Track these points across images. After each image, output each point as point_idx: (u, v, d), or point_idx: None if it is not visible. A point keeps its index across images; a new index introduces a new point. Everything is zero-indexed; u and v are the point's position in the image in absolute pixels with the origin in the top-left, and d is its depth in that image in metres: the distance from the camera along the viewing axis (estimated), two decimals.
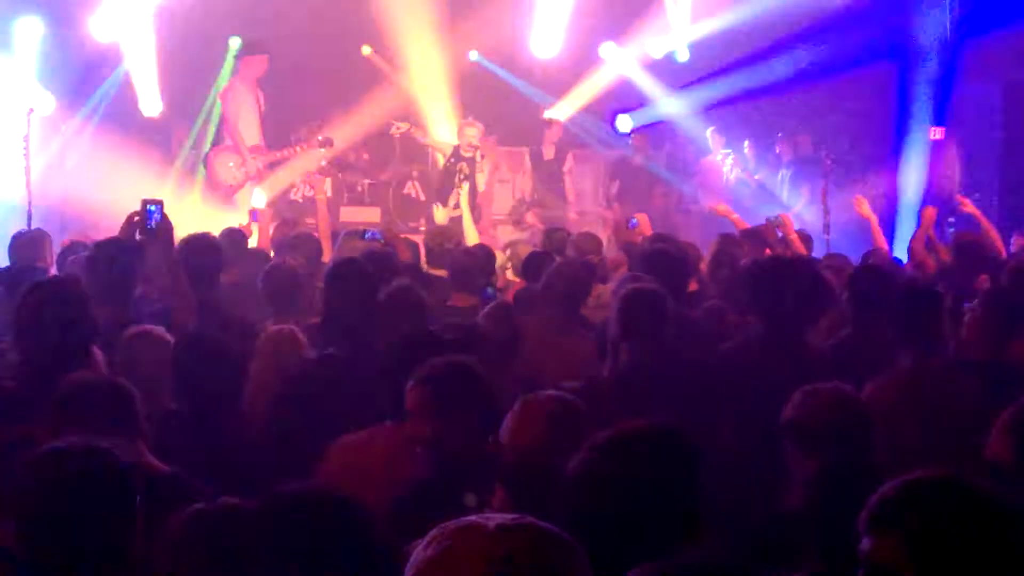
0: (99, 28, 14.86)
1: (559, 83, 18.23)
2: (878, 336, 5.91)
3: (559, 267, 6.84)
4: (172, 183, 15.29)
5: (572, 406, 3.41)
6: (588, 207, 16.98)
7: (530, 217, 15.97)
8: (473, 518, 2.07)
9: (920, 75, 16.35)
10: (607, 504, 2.79)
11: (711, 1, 16.90)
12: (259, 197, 11.80)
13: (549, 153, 16.47)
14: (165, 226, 6.15)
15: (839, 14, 16.13)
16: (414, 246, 8.91)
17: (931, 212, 9.75)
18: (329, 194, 15.55)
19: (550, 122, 16.70)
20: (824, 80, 16.82)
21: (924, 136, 16.35)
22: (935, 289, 6.09)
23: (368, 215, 16.10)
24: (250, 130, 13.81)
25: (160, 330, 5.33)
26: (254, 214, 10.47)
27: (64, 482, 3.16)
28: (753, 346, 5.62)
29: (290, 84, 15.30)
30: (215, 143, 14.97)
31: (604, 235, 11.97)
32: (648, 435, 2.87)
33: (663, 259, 6.80)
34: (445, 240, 8.60)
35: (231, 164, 13.88)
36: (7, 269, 7.38)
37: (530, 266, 7.93)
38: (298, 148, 14.14)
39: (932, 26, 15.87)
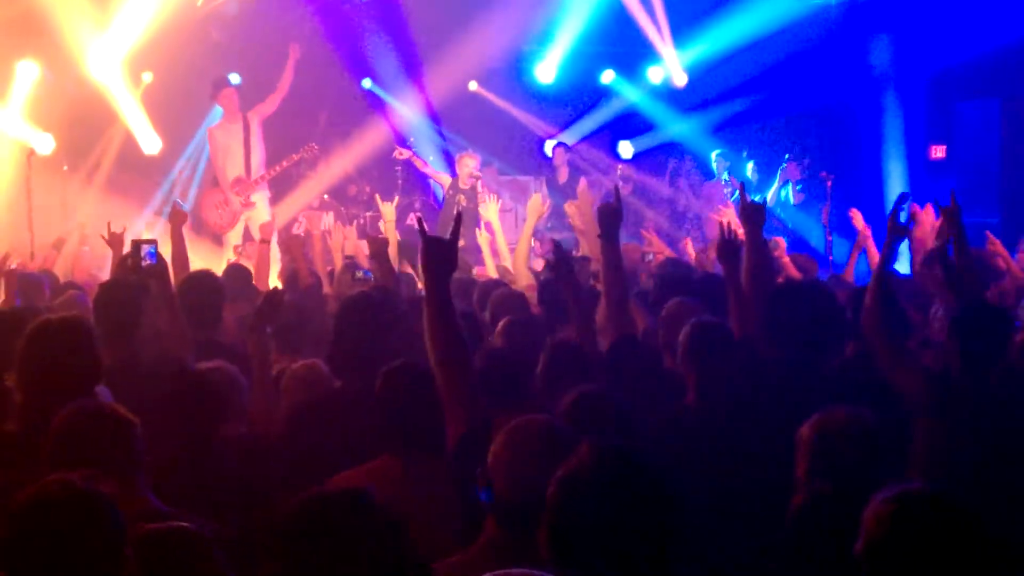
0: (96, 69, 14.93)
1: (560, 112, 18.32)
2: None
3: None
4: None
5: (562, 432, 3.40)
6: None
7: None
8: None
9: (918, 92, 16.38)
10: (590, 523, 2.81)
11: (696, 27, 16.99)
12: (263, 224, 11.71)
13: (563, 176, 16.50)
14: (160, 266, 6.15)
15: (834, 31, 16.21)
16: (411, 280, 8.88)
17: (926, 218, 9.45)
18: (330, 228, 15.59)
19: (557, 146, 16.77)
20: (823, 101, 16.89)
21: (922, 155, 16.41)
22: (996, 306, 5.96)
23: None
24: (234, 163, 13.77)
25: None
26: (239, 250, 10.53)
27: (42, 530, 3.06)
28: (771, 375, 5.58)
29: (289, 119, 15.33)
30: (205, 182, 15.09)
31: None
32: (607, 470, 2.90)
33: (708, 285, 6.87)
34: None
35: (217, 206, 13.87)
36: (10, 310, 7.39)
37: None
38: (280, 165, 14.04)
39: (926, 45, 15.90)
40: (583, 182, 16.27)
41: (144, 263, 6.08)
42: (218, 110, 14.51)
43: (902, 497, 2.84)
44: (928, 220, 9.28)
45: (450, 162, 16.47)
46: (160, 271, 6.13)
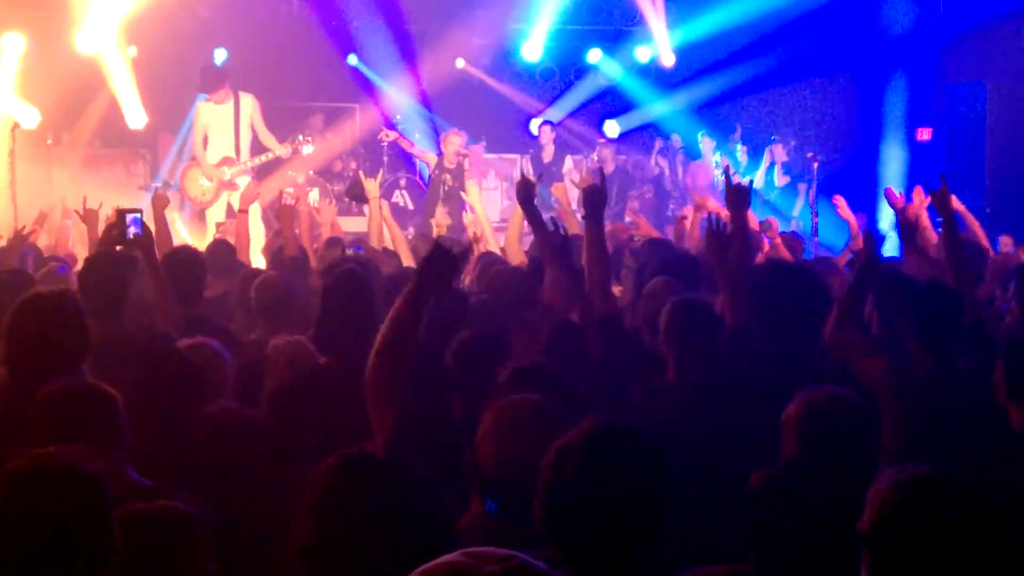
0: (83, 42, 14.84)
1: (546, 90, 18.29)
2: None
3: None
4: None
5: (549, 409, 3.38)
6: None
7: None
8: (464, 560, 1.99)
9: (906, 73, 16.38)
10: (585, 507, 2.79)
11: (688, 6, 16.93)
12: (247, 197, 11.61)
13: (548, 155, 16.44)
14: (145, 237, 6.09)
15: (818, 12, 16.17)
16: (395, 256, 8.87)
17: (918, 198, 9.33)
18: (316, 204, 15.53)
19: (543, 124, 16.68)
20: (808, 79, 16.88)
21: (910, 136, 16.40)
22: (953, 289, 5.87)
23: (357, 225, 16.05)
24: (221, 142, 13.61)
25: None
26: (221, 227, 10.47)
27: (30, 501, 3.02)
28: (755, 353, 5.55)
29: (276, 95, 15.28)
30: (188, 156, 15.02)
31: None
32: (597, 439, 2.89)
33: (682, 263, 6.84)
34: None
35: (200, 180, 13.72)
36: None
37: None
38: (271, 153, 13.91)
39: (915, 23, 15.89)
40: (569, 160, 16.26)
41: (130, 233, 6.01)
42: None
43: (913, 478, 2.82)
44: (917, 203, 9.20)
45: (437, 140, 16.41)
46: (146, 241, 6.07)
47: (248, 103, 13.54)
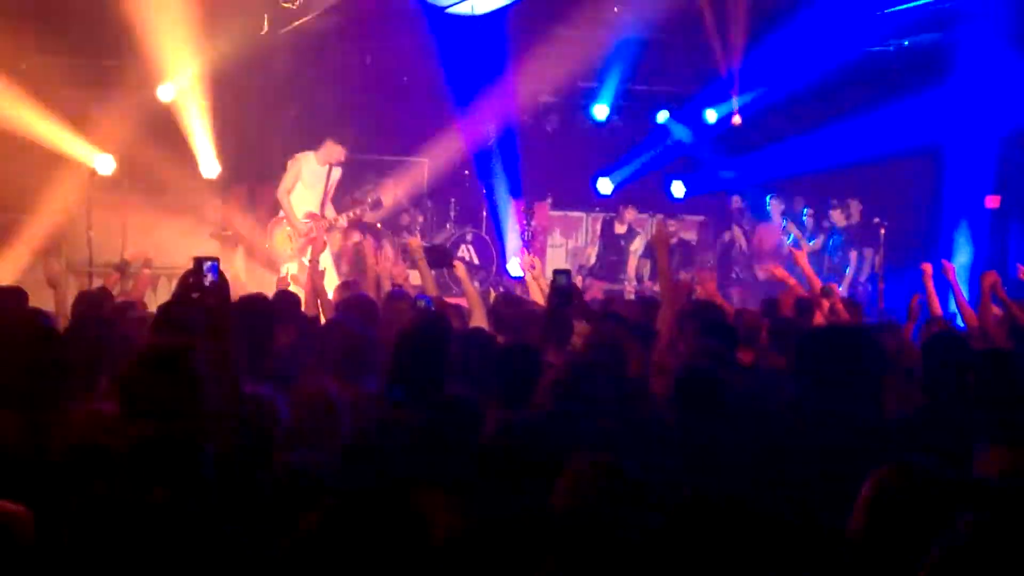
0: (164, 91, 15.04)
1: (614, 149, 18.30)
2: (952, 406, 5.76)
3: None
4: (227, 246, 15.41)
5: (618, 470, 3.37)
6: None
7: (585, 283, 15.96)
8: None
9: (974, 143, 16.24)
10: None
11: (759, 69, 16.88)
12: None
13: (622, 229, 16.45)
14: (222, 285, 6.09)
15: (890, 80, 16.11)
16: (464, 313, 8.86)
17: (992, 276, 9.26)
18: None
19: (628, 203, 16.71)
20: (879, 148, 16.75)
21: (980, 205, 16.24)
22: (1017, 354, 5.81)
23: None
24: (307, 196, 13.71)
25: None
26: (287, 278, 10.55)
27: None
28: (800, 414, 5.49)
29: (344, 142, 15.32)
30: (260, 206, 15.17)
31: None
32: None
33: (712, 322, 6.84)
34: (516, 307, 8.50)
35: (290, 234, 13.78)
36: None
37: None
38: (349, 215, 14.05)
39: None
40: (639, 241, 16.29)
41: (207, 280, 6.00)
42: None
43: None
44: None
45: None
46: (222, 290, 6.09)
47: (339, 170, 13.83)
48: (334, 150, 13.68)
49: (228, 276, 5.74)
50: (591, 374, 5.88)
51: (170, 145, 15.35)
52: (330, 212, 13.84)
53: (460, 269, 9.65)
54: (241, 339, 6.15)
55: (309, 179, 13.71)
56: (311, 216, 13.74)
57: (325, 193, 13.72)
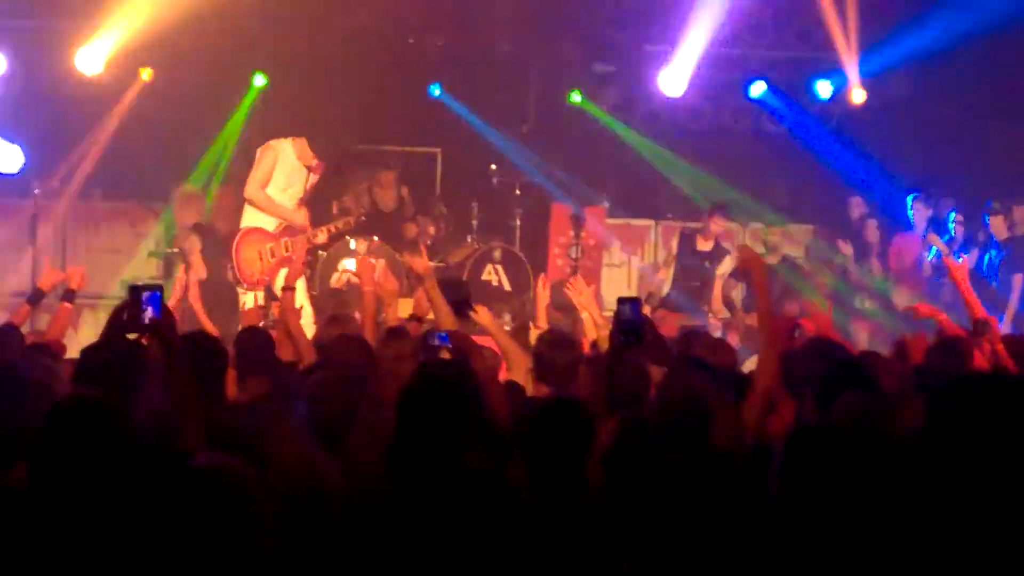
0: (85, 61, 15.17)
1: (692, 135, 18.26)
2: None
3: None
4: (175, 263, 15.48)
5: None
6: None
7: (656, 314, 15.90)
8: None
9: None
10: None
11: (887, 24, 16.80)
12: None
13: (706, 245, 16.38)
14: (165, 322, 6.13)
15: None
16: (494, 357, 8.80)
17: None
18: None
19: (715, 209, 16.53)
20: None
21: None
22: None
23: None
24: (284, 201, 13.69)
25: None
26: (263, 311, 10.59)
27: None
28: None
29: (330, 137, 15.33)
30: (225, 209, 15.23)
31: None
32: None
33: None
34: (565, 349, 8.45)
35: (263, 251, 13.74)
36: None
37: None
38: (331, 228, 14.06)
39: None
40: (728, 262, 16.20)
41: (146, 316, 6.03)
42: (239, 119, 14.66)
43: None
44: None
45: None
46: (167, 326, 6.13)
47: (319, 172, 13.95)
48: (306, 152, 13.82)
49: (174, 310, 5.80)
50: (661, 441, 5.87)
51: (96, 133, 15.49)
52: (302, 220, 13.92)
53: (483, 315, 9.63)
54: (190, 392, 6.20)
55: (285, 177, 13.72)
56: (285, 231, 13.80)
57: (305, 196, 13.77)
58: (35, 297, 10.38)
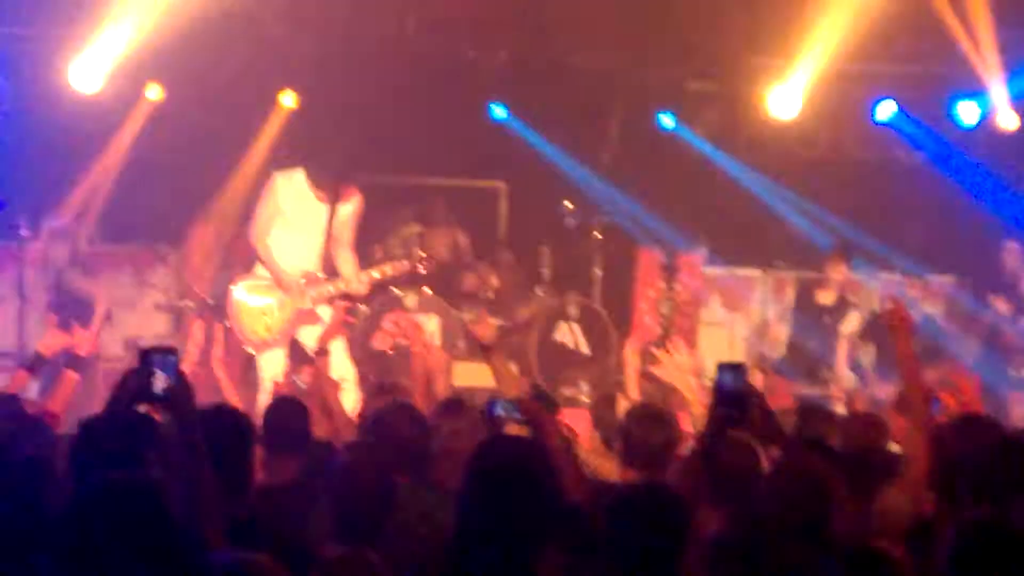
0: (79, 76, 15.31)
1: (805, 162, 18.22)
2: None
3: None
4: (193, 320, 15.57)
5: None
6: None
7: (768, 381, 15.86)
8: None
9: None
10: None
11: None
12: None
13: (827, 298, 16.35)
14: (181, 391, 6.17)
15: None
16: (569, 435, 8.77)
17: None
18: (436, 342, 15.68)
19: (837, 254, 16.45)
20: None
21: None
22: None
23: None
24: (301, 245, 13.66)
25: None
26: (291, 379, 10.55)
27: None
28: None
29: (371, 168, 15.32)
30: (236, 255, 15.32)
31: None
32: None
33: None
34: (658, 427, 8.42)
35: (268, 306, 13.69)
36: None
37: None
38: (373, 274, 13.94)
39: None
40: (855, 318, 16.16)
41: (157, 385, 6.09)
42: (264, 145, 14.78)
43: None
44: None
45: None
46: (183, 397, 6.17)
47: (352, 204, 13.72)
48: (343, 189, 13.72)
49: (192, 376, 5.86)
50: (774, 538, 5.87)
51: (94, 164, 15.62)
52: (347, 268, 13.85)
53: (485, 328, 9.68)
54: (209, 474, 6.26)
55: (296, 216, 13.63)
56: (308, 278, 13.74)
57: (329, 238, 13.70)
58: (35, 364, 10.42)
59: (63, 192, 16.24)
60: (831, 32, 16.89)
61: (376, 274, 13.82)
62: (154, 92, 16.26)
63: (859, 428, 8.72)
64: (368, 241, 15.15)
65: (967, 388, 10.09)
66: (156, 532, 4.97)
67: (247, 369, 14.30)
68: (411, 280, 15.84)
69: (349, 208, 13.70)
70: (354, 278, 13.69)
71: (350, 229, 13.85)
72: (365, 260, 14.63)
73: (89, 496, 5.07)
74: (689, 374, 9.81)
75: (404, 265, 14.09)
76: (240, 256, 15.76)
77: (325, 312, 13.44)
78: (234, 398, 10.54)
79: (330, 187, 13.57)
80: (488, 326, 9.84)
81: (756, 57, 17.67)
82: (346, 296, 13.65)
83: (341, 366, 12.64)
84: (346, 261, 13.82)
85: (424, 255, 14.29)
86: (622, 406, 9.67)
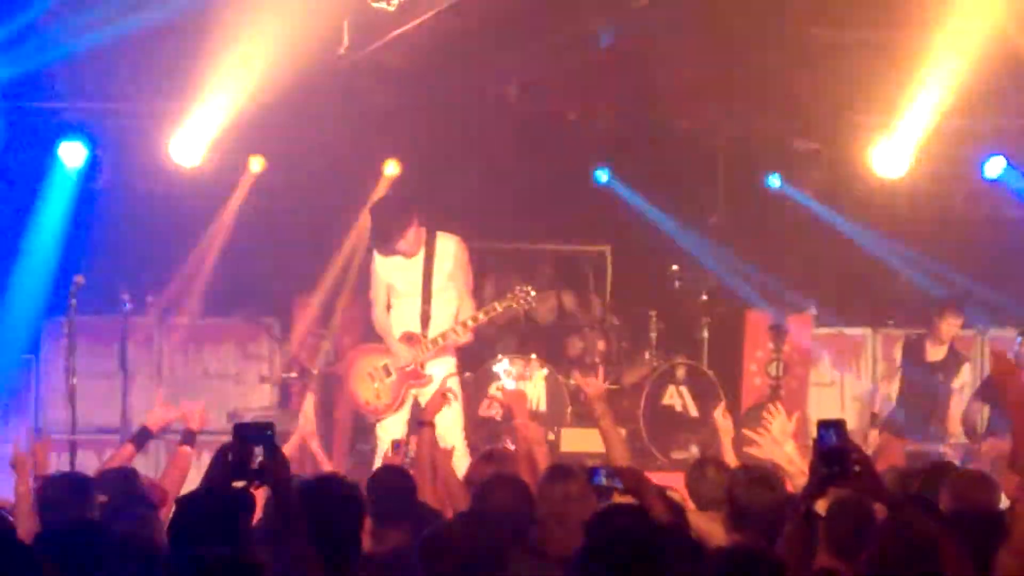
0: (180, 149, 15.44)
1: (913, 220, 18.08)
2: None
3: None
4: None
5: None
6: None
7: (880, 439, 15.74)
8: None
9: None
10: None
11: None
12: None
13: (937, 354, 16.20)
14: (279, 466, 6.17)
15: None
16: (675, 503, 8.70)
17: None
18: (542, 408, 15.67)
19: (946, 308, 16.26)
20: None
21: None
22: None
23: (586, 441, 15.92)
24: (404, 310, 13.64)
25: None
26: (397, 446, 10.50)
27: None
28: None
29: (477, 235, 15.29)
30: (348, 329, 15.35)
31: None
32: None
33: None
34: (764, 489, 8.34)
35: (375, 370, 13.67)
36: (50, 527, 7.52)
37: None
38: (476, 319, 13.78)
39: None
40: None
41: (256, 461, 6.08)
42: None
43: None
44: None
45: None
46: (280, 472, 6.16)
47: (450, 249, 13.62)
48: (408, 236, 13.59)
49: (289, 452, 5.85)
50: None
51: (196, 239, 15.71)
52: (453, 311, 13.83)
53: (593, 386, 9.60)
54: (308, 549, 6.25)
55: (400, 284, 13.61)
56: (409, 339, 13.70)
57: (427, 298, 13.61)
58: (141, 438, 10.47)
59: (165, 266, 16.35)
60: (936, 88, 16.79)
61: (470, 321, 13.74)
62: (257, 165, 16.34)
63: (965, 486, 8.60)
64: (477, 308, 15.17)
65: None
66: None
67: (360, 440, 14.34)
68: (518, 347, 15.86)
69: (448, 257, 13.63)
70: (451, 326, 13.66)
71: (461, 278, 13.78)
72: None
73: (179, 571, 5.07)
74: (787, 441, 9.70)
75: (496, 308, 13.81)
76: (347, 328, 15.85)
77: (437, 372, 13.47)
78: (328, 468, 10.58)
79: (410, 242, 13.56)
80: (597, 382, 9.81)
81: (859, 116, 17.55)
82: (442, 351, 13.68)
83: (453, 434, 12.64)
84: (466, 311, 13.75)
85: (523, 289, 14.09)
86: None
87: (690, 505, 8.81)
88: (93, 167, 15.80)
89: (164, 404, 10.81)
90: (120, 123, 15.80)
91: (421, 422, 10.20)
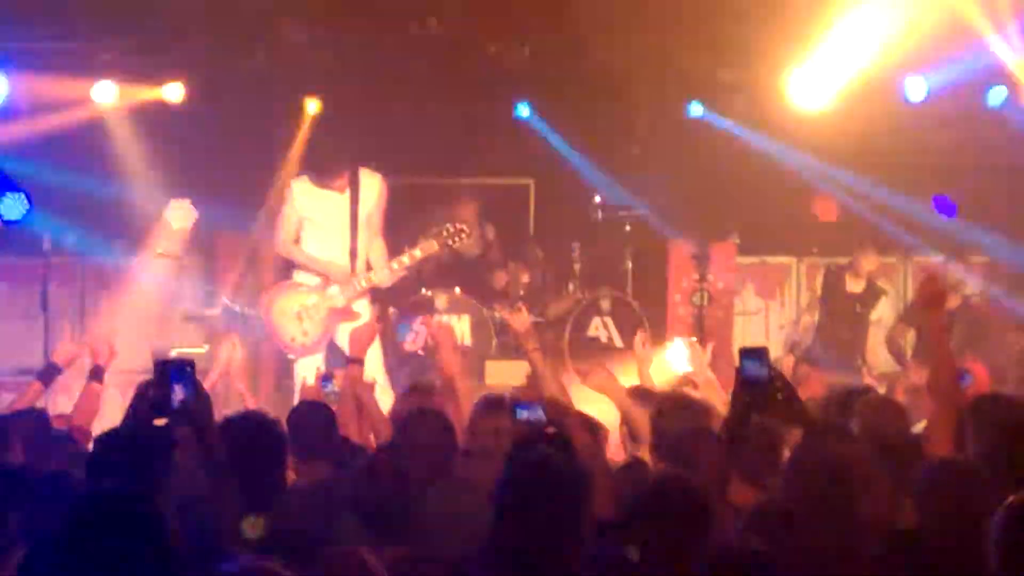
0: (103, 91, 15.43)
1: (838, 146, 18.02)
2: None
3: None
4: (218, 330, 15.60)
5: None
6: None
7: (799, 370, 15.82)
8: None
9: None
10: None
11: None
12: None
13: (857, 286, 16.28)
14: (200, 403, 6.18)
15: None
16: (597, 429, 8.74)
17: None
18: (467, 342, 15.71)
19: (866, 249, 16.30)
20: None
21: None
22: None
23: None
24: (329, 245, 13.64)
25: None
26: (324, 378, 10.53)
27: None
28: None
29: (398, 170, 15.32)
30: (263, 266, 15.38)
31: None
32: None
33: None
34: (686, 414, 8.37)
35: (304, 308, 13.81)
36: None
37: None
38: (405, 261, 13.80)
39: None
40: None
41: (175, 398, 6.09)
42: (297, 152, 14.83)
43: None
44: None
45: None
46: (200, 410, 6.18)
47: (374, 187, 13.78)
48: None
49: (211, 388, 5.89)
50: (805, 520, 5.86)
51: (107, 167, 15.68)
52: (377, 257, 13.96)
53: (598, 378, 9.61)
54: (231, 485, 6.29)
55: (322, 220, 13.67)
56: (341, 274, 13.77)
57: (354, 235, 13.68)
58: (48, 374, 10.43)
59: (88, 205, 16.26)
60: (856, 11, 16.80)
61: (406, 259, 13.85)
62: (176, 90, 16.27)
63: (873, 412, 8.68)
64: (398, 243, 15.13)
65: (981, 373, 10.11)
66: (146, 542, 5.00)
67: (284, 376, 14.38)
68: (442, 280, 15.89)
69: (372, 195, 13.72)
70: (384, 267, 13.76)
71: (377, 217, 13.94)
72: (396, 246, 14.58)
73: (78, 508, 5.06)
74: (703, 371, 9.78)
75: (432, 245, 13.98)
76: (268, 265, 15.85)
77: (363, 307, 13.54)
78: (253, 406, 10.58)
79: (343, 179, 13.68)
80: (523, 317, 9.84)
81: (781, 43, 17.47)
82: (376, 289, 13.76)
83: (374, 367, 12.68)
84: (376, 250, 13.87)
85: (455, 226, 14.15)
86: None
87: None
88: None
89: (70, 339, 10.81)
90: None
91: (350, 359, 10.21)
